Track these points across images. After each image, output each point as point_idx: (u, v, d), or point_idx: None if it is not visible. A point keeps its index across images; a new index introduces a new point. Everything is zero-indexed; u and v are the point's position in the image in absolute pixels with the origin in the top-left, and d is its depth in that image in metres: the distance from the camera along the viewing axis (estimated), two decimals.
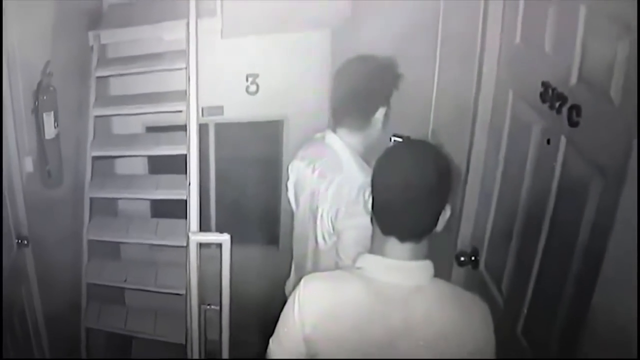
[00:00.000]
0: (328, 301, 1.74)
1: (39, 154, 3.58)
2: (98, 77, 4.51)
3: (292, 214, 2.71)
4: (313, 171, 2.47)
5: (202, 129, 4.28)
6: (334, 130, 2.46)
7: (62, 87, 3.67)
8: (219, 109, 5.00)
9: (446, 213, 1.71)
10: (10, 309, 3.11)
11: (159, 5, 4.72)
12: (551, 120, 2.14)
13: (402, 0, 3.41)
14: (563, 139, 2.10)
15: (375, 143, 2.43)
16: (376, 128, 2.43)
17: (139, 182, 4.81)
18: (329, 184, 2.37)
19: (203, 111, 4.46)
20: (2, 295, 2.87)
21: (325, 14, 4.54)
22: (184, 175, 3.49)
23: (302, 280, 1.79)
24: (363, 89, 2.37)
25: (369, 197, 1.77)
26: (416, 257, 1.72)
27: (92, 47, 4.50)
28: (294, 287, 1.81)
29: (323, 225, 2.38)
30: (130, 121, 5.00)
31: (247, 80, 4.97)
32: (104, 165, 4.79)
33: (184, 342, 3.63)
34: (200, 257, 3.00)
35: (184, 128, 3.58)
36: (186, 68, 3.63)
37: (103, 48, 4.64)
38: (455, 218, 2.84)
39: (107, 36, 4.60)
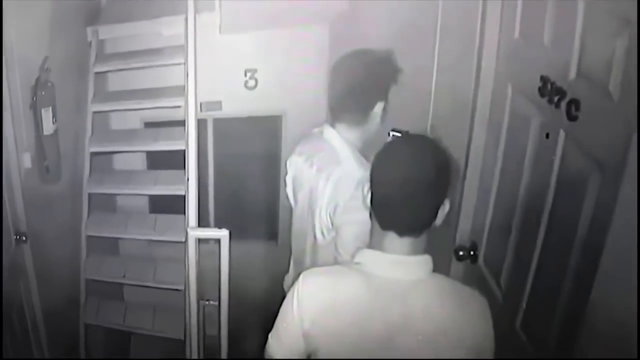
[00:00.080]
0: (327, 296, 1.73)
1: (37, 150, 3.57)
2: (96, 73, 4.50)
3: (290, 210, 2.70)
4: (311, 166, 2.47)
5: (201, 124, 4.27)
6: (332, 125, 2.45)
7: (60, 82, 3.66)
8: (218, 104, 4.99)
9: (445, 207, 1.71)
10: (9, 305, 3.11)
11: (157, 0, 4.71)
12: (550, 115, 2.14)
13: None
14: (562, 133, 2.10)
15: (373, 138, 2.42)
16: (374, 123, 2.41)
17: (138, 178, 4.80)
18: (327, 179, 2.36)
19: (201, 106, 4.44)
20: (2, 293, 2.88)
21: (324, 9, 4.53)
22: (183, 171, 3.48)
23: (301, 276, 1.79)
24: (361, 83, 2.36)
25: (368, 192, 1.76)
26: (415, 251, 1.71)
27: (90, 43, 4.49)
28: (292, 283, 1.81)
29: (321, 221, 2.37)
30: (128, 117, 5.00)
31: (245, 75, 4.96)
32: (102, 160, 4.78)
33: (182, 338, 3.63)
34: (199, 253, 3.00)
35: (182, 123, 3.58)
36: (184, 63, 3.62)
37: (101, 43, 4.63)
38: (454, 212, 2.84)
39: (105, 31, 4.59)
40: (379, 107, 2.38)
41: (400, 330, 1.67)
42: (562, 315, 2.08)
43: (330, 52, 4.60)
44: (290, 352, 1.80)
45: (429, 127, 3.20)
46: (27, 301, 3.50)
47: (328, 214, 2.34)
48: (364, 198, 1.79)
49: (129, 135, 4.88)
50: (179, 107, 3.95)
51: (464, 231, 2.91)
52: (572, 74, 2.03)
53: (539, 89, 2.19)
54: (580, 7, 1.98)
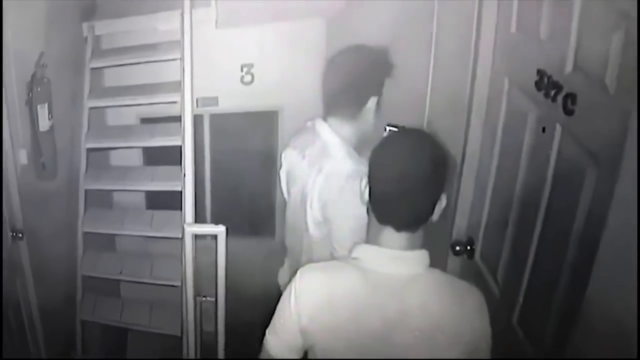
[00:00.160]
0: (324, 292, 1.73)
1: (33, 146, 3.56)
2: (92, 69, 4.48)
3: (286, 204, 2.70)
4: (303, 159, 2.47)
5: (197, 119, 4.26)
6: (325, 119, 2.45)
7: (56, 78, 3.65)
8: (214, 100, 4.98)
9: (442, 202, 1.71)
10: (5, 302, 3.10)
11: None
12: (546, 109, 2.14)
13: None
14: (558, 127, 2.10)
15: (369, 134, 2.42)
16: (368, 118, 2.41)
17: (134, 174, 4.79)
18: (317, 172, 2.35)
19: (198, 102, 4.44)
20: (2, 293, 2.87)
21: (320, 4, 4.52)
22: (179, 167, 3.48)
23: (298, 272, 1.79)
24: (353, 78, 2.35)
25: (365, 186, 1.76)
26: (412, 246, 1.71)
27: (86, 38, 4.47)
28: (289, 278, 1.81)
29: (313, 214, 2.37)
30: (124, 113, 4.98)
31: (241, 70, 4.95)
32: (98, 157, 4.77)
33: (179, 334, 3.64)
34: (195, 249, 3.00)
35: (178, 119, 3.57)
36: (181, 59, 3.62)
37: (97, 39, 4.61)
38: (451, 207, 2.84)
39: (101, 27, 4.57)
40: (372, 102, 2.38)
41: (397, 326, 1.67)
42: (559, 310, 2.08)
43: (327, 48, 4.59)
44: (287, 348, 1.80)
45: (425, 122, 3.19)
46: (23, 298, 3.49)
47: (319, 207, 2.34)
48: (362, 193, 1.78)
49: (125, 131, 4.86)
50: (175, 102, 3.94)
51: (460, 226, 2.91)
52: (569, 68, 2.02)
53: (536, 82, 2.19)
54: (577, 1, 1.98)
